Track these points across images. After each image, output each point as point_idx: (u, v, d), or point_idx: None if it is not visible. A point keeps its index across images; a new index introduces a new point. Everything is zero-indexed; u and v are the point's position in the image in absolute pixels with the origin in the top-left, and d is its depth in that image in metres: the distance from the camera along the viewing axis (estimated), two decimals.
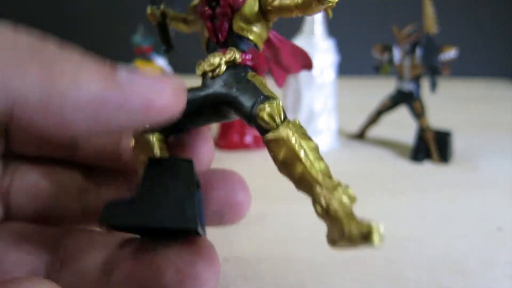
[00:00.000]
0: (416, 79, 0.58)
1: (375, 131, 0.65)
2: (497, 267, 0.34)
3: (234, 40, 0.21)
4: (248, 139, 0.58)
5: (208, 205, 0.22)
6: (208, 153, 0.22)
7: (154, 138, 0.20)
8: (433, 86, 0.56)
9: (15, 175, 0.23)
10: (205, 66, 0.20)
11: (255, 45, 0.21)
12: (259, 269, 0.32)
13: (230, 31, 0.21)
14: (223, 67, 0.20)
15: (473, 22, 1.05)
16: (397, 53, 0.57)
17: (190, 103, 0.19)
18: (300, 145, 0.17)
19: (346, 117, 0.63)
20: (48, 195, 0.23)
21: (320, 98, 0.60)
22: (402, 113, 0.62)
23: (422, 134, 0.57)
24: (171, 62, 0.64)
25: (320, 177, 0.17)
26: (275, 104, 0.18)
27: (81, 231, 0.22)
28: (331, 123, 0.61)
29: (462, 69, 0.86)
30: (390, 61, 0.58)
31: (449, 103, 0.85)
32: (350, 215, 0.15)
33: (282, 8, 0.20)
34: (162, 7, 0.24)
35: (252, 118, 0.18)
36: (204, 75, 0.21)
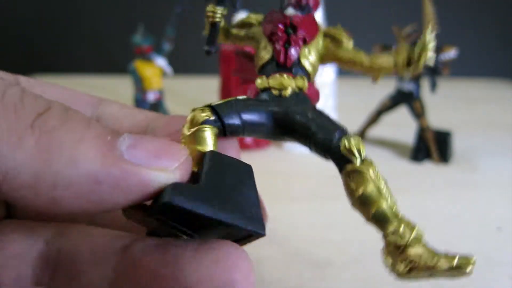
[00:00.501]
0: (416, 79, 0.58)
1: (375, 131, 0.65)
2: (497, 267, 0.34)
3: (297, 68, 0.22)
4: (248, 139, 0.58)
5: None
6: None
7: (210, 132, 0.19)
8: (433, 86, 0.56)
9: None
10: (270, 82, 0.21)
11: (309, 77, 0.23)
12: (259, 269, 0.32)
13: (297, 60, 0.22)
14: (290, 91, 0.21)
15: (473, 22, 1.05)
16: None
17: (254, 113, 0.20)
18: (383, 180, 0.19)
19: (346, 117, 0.63)
20: None
21: (320, 98, 0.60)
22: (402, 113, 0.62)
23: (422, 134, 0.57)
24: (171, 62, 0.64)
25: (398, 215, 0.18)
26: (359, 139, 0.20)
27: (80, 231, 0.21)
28: None
29: (462, 69, 0.86)
30: None
31: (449, 103, 0.85)
32: (433, 253, 0.18)
33: (345, 60, 0.23)
34: (225, 10, 0.25)
35: (332, 148, 0.19)
36: (264, 90, 0.22)
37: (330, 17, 0.64)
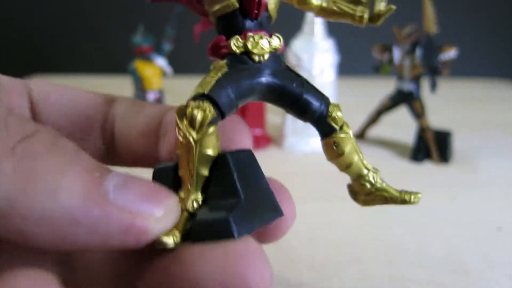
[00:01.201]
0: (416, 79, 0.58)
1: (375, 131, 0.65)
2: (497, 267, 0.34)
3: (266, 21, 0.20)
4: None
5: None
6: (247, 145, 0.20)
7: (215, 130, 0.18)
8: (433, 86, 0.56)
9: None
10: (250, 46, 0.19)
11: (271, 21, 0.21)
12: None
13: (265, 11, 0.19)
14: (268, 55, 0.19)
15: (473, 22, 1.05)
16: (397, 53, 0.57)
17: (250, 88, 0.19)
18: (355, 140, 0.22)
19: (346, 117, 0.63)
20: None
21: None
22: (402, 113, 0.62)
23: (422, 134, 0.57)
24: (171, 62, 0.64)
25: (366, 164, 0.22)
26: (338, 108, 0.21)
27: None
28: None
29: (462, 69, 0.86)
30: (390, 61, 0.58)
31: (449, 103, 0.85)
32: (391, 187, 0.22)
33: (304, 3, 0.20)
34: None
35: (321, 117, 0.21)
36: (245, 54, 0.19)
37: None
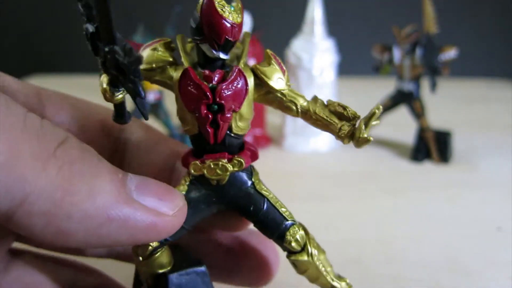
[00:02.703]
0: (416, 79, 0.58)
1: (375, 131, 0.65)
2: (497, 267, 0.34)
3: (231, 140, 0.20)
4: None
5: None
6: (275, 263, 0.25)
7: (164, 253, 0.21)
8: (433, 86, 0.56)
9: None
10: (206, 172, 0.20)
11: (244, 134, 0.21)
12: None
13: (228, 132, 0.20)
14: (227, 178, 0.20)
15: (473, 22, 1.05)
16: (397, 53, 0.57)
17: (196, 215, 0.20)
18: (321, 264, 0.22)
19: None
20: None
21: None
22: (402, 113, 0.62)
23: (422, 134, 0.57)
24: None
25: (333, 280, 0.23)
26: (299, 231, 0.22)
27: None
28: None
29: (462, 69, 0.86)
30: (390, 61, 0.58)
31: (449, 103, 0.85)
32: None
33: (282, 108, 0.21)
34: (123, 92, 0.19)
35: (279, 240, 0.22)
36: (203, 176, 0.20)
37: (330, 17, 0.64)
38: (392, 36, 0.58)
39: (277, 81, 0.20)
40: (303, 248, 0.22)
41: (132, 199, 0.16)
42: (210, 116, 0.19)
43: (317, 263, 0.22)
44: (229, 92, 0.19)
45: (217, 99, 0.19)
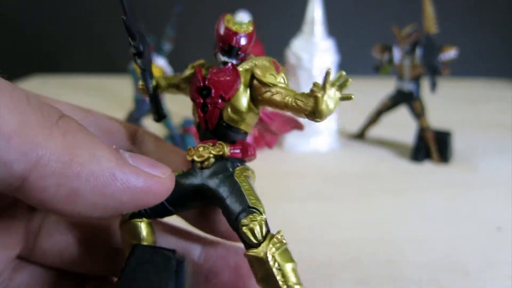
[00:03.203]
0: (416, 79, 0.58)
1: (375, 131, 0.65)
2: (497, 267, 0.34)
3: (224, 129, 0.22)
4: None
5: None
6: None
7: (142, 223, 0.22)
8: (433, 86, 0.56)
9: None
10: (194, 156, 0.22)
11: (245, 132, 0.23)
12: None
13: (220, 121, 0.22)
14: (212, 160, 0.22)
15: (473, 22, 1.05)
16: (397, 53, 0.57)
17: (176, 191, 0.21)
18: (279, 268, 0.19)
19: (346, 117, 0.63)
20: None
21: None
22: (402, 113, 0.62)
23: (422, 134, 0.57)
24: (171, 62, 0.64)
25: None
26: (257, 220, 0.19)
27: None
28: (331, 123, 0.61)
29: (462, 69, 0.86)
30: (390, 61, 0.58)
31: (449, 103, 0.85)
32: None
33: (271, 103, 0.21)
34: (154, 82, 0.25)
35: (235, 228, 0.20)
36: (193, 161, 0.22)
37: (330, 17, 0.64)
38: (392, 36, 0.58)
39: (269, 77, 0.22)
40: (260, 243, 0.19)
41: (129, 163, 0.18)
42: (201, 100, 0.22)
43: (274, 269, 0.19)
44: (217, 79, 0.21)
45: (206, 83, 0.22)
